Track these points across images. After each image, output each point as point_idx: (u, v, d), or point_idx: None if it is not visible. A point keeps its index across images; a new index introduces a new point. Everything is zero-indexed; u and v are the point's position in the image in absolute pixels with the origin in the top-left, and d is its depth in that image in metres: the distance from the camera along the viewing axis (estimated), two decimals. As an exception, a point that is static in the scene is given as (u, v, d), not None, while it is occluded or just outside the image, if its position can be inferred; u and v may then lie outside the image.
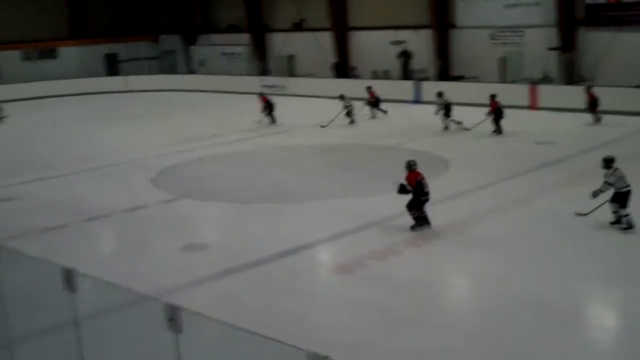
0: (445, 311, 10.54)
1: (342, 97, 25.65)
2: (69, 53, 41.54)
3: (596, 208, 13.15)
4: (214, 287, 11.40)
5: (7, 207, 16.61)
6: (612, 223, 12.92)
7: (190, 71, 42.08)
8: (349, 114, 25.37)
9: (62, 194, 17.41)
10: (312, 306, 10.73)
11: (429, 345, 9.20)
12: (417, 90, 30.52)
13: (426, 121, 24.39)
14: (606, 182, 12.78)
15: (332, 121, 24.94)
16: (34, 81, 37.85)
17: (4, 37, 39.13)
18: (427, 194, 13.41)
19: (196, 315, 6.74)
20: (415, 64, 32.82)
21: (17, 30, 39.53)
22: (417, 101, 30.11)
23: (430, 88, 27.73)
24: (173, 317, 6.12)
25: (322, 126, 24.88)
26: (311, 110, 29.03)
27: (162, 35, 43.82)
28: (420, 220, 13.45)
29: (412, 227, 13.38)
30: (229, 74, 38.88)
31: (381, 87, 28.08)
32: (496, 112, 22.35)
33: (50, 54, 41.32)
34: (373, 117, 26.54)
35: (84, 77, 39.67)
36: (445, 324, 9.87)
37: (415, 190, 13.33)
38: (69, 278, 7.07)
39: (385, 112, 26.79)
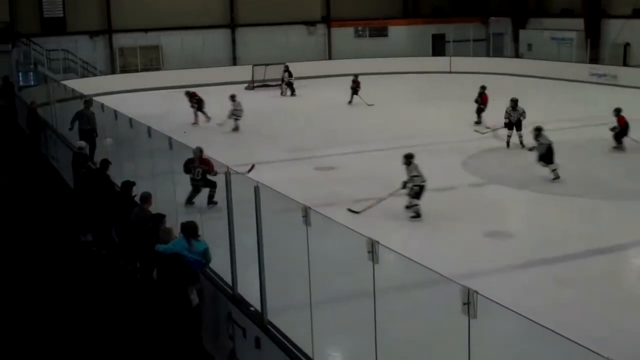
0: None
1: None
2: (399, 32, 42.96)
3: (369, 207, 14.14)
4: (513, 277, 11.12)
5: (327, 175, 17.73)
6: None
7: (517, 55, 41.23)
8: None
9: (377, 168, 18.12)
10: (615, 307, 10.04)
11: None
12: None
13: None
14: (412, 177, 13.98)
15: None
16: (364, 58, 39.69)
17: (340, 15, 41.68)
18: None
19: (492, 302, 6.61)
20: None
21: (353, 9, 41.87)
22: None
23: None
24: (469, 301, 6.02)
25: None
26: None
27: (491, 18, 43.42)
28: None
29: None
30: (557, 59, 37.40)
31: None
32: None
33: (382, 32, 43.09)
34: None
35: (411, 56, 40.76)
36: None
37: None
38: (373, 249, 7.27)
39: None
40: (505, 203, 15.42)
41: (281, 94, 32.92)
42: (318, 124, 25.29)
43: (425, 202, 14.12)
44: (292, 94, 32.57)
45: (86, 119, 18.36)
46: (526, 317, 7.07)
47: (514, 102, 20.34)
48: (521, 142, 19.75)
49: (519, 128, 20.05)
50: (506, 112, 20.33)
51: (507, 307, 7.20)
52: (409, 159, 14.13)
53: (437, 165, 18.43)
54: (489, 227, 13.33)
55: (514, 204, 15.48)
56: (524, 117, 20.06)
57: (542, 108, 27.26)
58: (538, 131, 16.75)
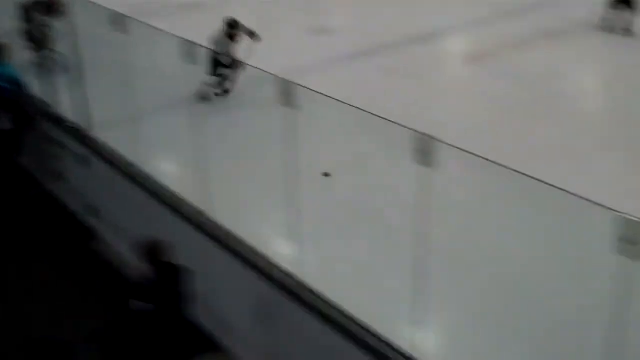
0: (573, 105, 10.11)
1: None
2: None
3: None
4: (338, 71, 11.25)
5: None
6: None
7: None
8: None
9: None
10: (436, 94, 10.49)
11: (553, 137, 8.84)
12: None
13: None
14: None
15: None
16: None
17: None
18: None
19: (313, 93, 6.70)
20: None
21: None
22: None
23: None
24: (288, 93, 6.02)
25: None
26: None
27: None
28: None
29: None
30: None
31: None
32: None
33: None
34: None
35: None
36: (574, 119, 9.46)
37: None
38: (190, 51, 7.06)
39: None
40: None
41: None
42: None
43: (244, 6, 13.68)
44: None
45: None
46: (346, 103, 7.28)
47: None
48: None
49: None
50: None
51: (328, 96, 7.38)
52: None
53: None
54: (313, 22, 13.23)
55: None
56: None
57: None
58: None
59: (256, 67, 9.05)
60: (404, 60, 11.54)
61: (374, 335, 5.46)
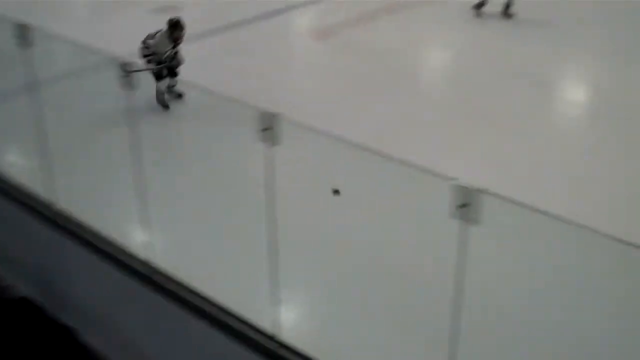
0: (417, 80, 10.43)
1: None
2: None
3: None
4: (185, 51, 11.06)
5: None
6: None
7: None
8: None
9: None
10: (284, 70, 10.52)
11: (397, 111, 9.07)
12: None
13: None
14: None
15: None
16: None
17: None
18: None
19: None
20: None
21: None
22: None
23: None
24: (127, 74, 5.87)
25: None
26: None
27: None
28: None
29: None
30: None
31: None
32: None
33: None
34: None
35: None
36: (417, 93, 9.77)
37: None
38: (24, 33, 6.71)
39: None
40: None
41: None
42: None
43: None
44: None
45: None
46: (192, 83, 7.17)
47: None
48: None
49: None
50: None
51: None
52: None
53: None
54: (154, 2, 12.90)
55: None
56: None
57: None
58: None
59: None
60: (251, 38, 11.51)
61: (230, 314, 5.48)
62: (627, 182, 7.27)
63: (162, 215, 6.45)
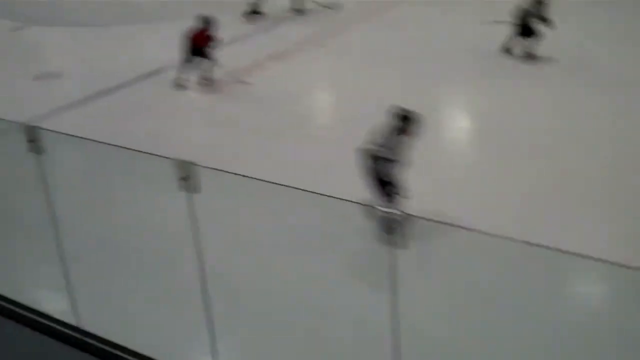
0: (313, 122, 10.80)
1: None
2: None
3: None
4: (75, 115, 10.97)
5: None
6: None
7: None
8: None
9: None
10: (179, 124, 10.67)
11: (294, 156, 9.30)
12: None
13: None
14: None
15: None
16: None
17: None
18: None
19: (59, 134, 6.52)
20: None
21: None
22: None
23: None
24: (34, 139, 5.83)
25: None
26: None
27: None
28: None
29: None
30: None
31: None
32: None
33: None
34: None
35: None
36: (315, 136, 10.10)
37: None
38: None
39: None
40: (48, 44, 14.83)
41: None
42: None
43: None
44: None
45: None
46: (95, 140, 7.16)
47: None
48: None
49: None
50: None
51: (76, 136, 7.20)
52: None
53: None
54: (36, 70, 12.76)
55: (58, 44, 14.95)
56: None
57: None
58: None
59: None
60: (137, 96, 11.59)
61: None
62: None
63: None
